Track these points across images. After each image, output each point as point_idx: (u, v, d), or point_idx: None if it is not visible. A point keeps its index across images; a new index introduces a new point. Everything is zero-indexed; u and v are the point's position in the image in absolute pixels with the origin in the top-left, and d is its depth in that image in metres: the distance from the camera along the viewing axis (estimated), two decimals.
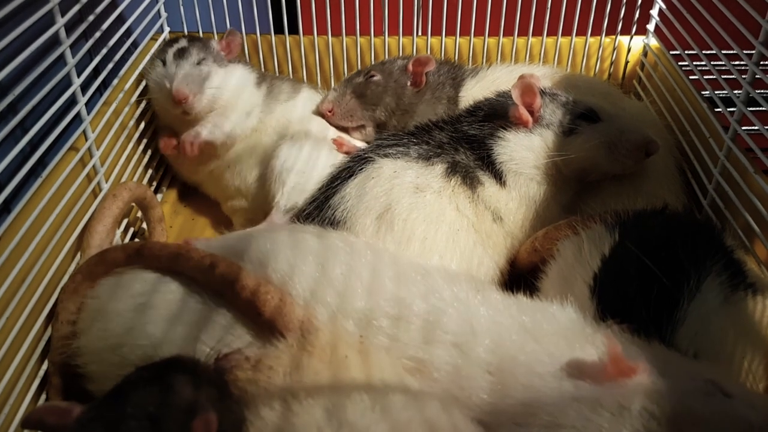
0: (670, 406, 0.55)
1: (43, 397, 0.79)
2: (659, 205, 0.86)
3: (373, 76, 1.16)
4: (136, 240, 1.09)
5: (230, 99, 1.12)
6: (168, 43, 1.14)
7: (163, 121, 1.16)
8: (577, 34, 1.31)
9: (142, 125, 1.15)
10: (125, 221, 1.06)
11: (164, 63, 1.09)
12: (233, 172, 1.14)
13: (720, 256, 0.74)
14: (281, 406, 0.58)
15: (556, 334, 0.66)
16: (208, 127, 1.11)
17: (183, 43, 1.11)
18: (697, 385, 0.58)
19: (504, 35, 1.31)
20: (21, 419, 0.74)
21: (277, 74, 1.33)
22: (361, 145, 1.11)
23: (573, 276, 0.79)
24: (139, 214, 1.11)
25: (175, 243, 0.76)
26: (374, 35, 1.30)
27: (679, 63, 1.17)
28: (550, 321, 0.68)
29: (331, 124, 1.16)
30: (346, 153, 1.06)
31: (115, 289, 0.76)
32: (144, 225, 1.11)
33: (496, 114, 0.98)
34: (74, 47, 0.91)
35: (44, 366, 0.80)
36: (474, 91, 1.17)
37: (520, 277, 0.90)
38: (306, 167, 1.05)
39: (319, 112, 1.16)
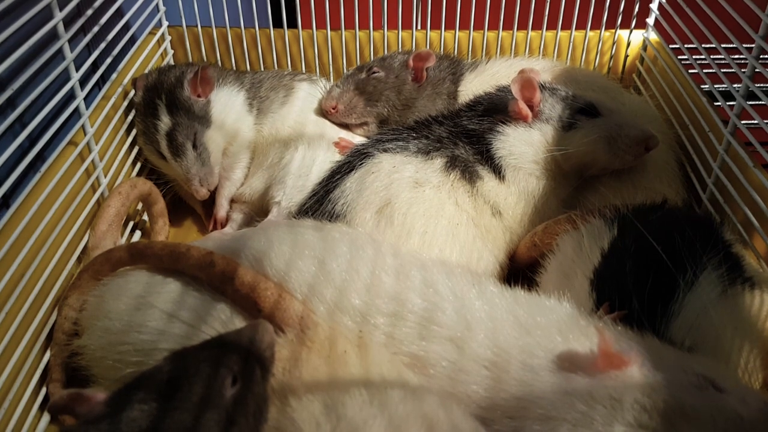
0: (661, 399, 0.56)
1: (44, 390, 0.79)
2: (658, 200, 0.86)
3: (374, 72, 1.15)
4: (137, 233, 1.09)
5: (230, 148, 1.12)
6: (150, 123, 1.06)
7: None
8: (576, 28, 1.31)
9: None
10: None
11: (162, 155, 1.06)
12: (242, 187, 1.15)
13: (718, 249, 0.74)
14: (280, 401, 0.58)
15: (551, 327, 0.66)
16: (226, 193, 1.12)
17: (166, 121, 1.05)
18: (689, 379, 0.58)
19: (503, 29, 1.30)
20: (22, 411, 0.75)
21: (273, 68, 1.32)
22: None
23: (572, 270, 0.79)
24: (139, 207, 1.11)
25: (175, 242, 0.77)
26: (373, 29, 1.30)
27: (679, 57, 1.17)
28: (544, 314, 0.68)
29: (332, 121, 1.16)
30: None
31: (117, 289, 0.76)
32: (144, 218, 1.11)
33: (496, 108, 0.98)
34: (72, 42, 0.91)
35: (44, 359, 0.80)
36: (473, 86, 1.17)
37: (520, 271, 0.90)
38: (305, 167, 1.05)
39: (321, 110, 1.16)
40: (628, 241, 0.76)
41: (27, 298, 0.78)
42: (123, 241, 1.01)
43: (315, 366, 0.61)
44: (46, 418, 0.78)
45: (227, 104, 1.10)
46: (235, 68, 1.29)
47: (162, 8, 1.26)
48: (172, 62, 1.31)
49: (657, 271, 0.71)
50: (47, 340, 0.81)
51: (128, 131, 1.10)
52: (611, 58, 1.35)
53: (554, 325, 0.66)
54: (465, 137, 0.96)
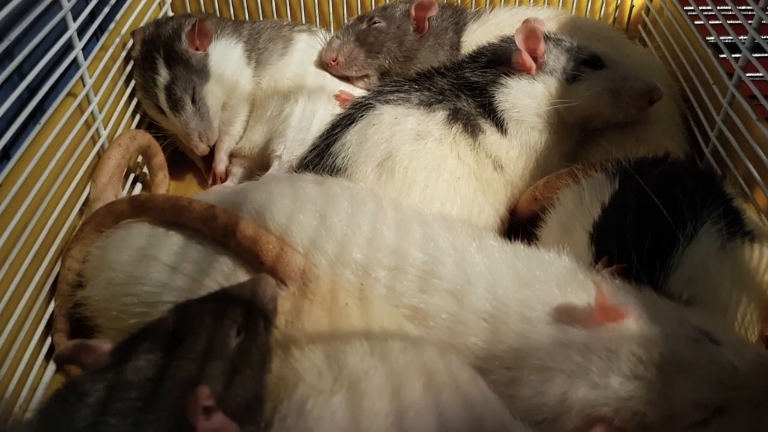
0: (657, 351, 0.57)
1: (49, 341, 0.80)
2: (661, 154, 0.86)
3: (375, 22, 1.13)
4: (138, 185, 1.09)
5: (229, 101, 1.11)
6: (149, 77, 1.05)
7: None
8: None
9: None
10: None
11: (161, 110, 1.05)
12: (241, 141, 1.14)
13: (718, 204, 0.74)
14: (283, 352, 0.59)
15: (549, 281, 0.66)
16: (225, 147, 1.11)
17: (165, 75, 1.04)
18: (685, 332, 0.59)
19: None
20: (28, 361, 0.76)
21: (272, 19, 1.29)
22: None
23: (572, 224, 0.79)
24: (140, 160, 1.10)
25: (177, 195, 0.77)
26: None
27: (685, 8, 1.15)
28: (543, 268, 0.68)
29: (333, 74, 1.14)
30: None
31: (119, 241, 0.77)
32: (145, 170, 1.11)
33: (499, 60, 0.97)
34: None
35: (49, 310, 0.81)
36: (476, 36, 1.15)
37: (520, 225, 0.90)
38: (306, 120, 1.04)
39: (321, 62, 1.14)
40: (629, 194, 0.76)
41: (30, 250, 0.78)
42: (124, 193, 1.01)
43: (317, 318, 0.62)
44: (52, 367, 0.80)
45: (225, 56, 1.09)
46: (233, 18, 1.27)
47: None
48: (170, 11, 1.29)
49: (657, 224, 0.72)
50: (51, 291, 0.82)
51: (127, 82, 1.09)
52: (617, 8, 1.32)
53: (553, 278, 0.67)
54: (468, 89, 0.95)
